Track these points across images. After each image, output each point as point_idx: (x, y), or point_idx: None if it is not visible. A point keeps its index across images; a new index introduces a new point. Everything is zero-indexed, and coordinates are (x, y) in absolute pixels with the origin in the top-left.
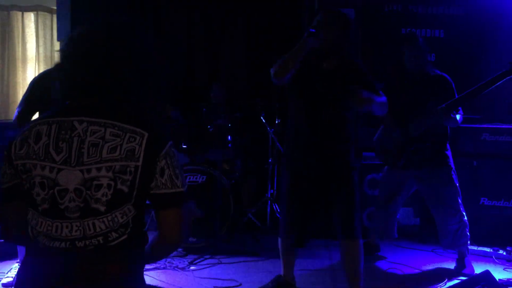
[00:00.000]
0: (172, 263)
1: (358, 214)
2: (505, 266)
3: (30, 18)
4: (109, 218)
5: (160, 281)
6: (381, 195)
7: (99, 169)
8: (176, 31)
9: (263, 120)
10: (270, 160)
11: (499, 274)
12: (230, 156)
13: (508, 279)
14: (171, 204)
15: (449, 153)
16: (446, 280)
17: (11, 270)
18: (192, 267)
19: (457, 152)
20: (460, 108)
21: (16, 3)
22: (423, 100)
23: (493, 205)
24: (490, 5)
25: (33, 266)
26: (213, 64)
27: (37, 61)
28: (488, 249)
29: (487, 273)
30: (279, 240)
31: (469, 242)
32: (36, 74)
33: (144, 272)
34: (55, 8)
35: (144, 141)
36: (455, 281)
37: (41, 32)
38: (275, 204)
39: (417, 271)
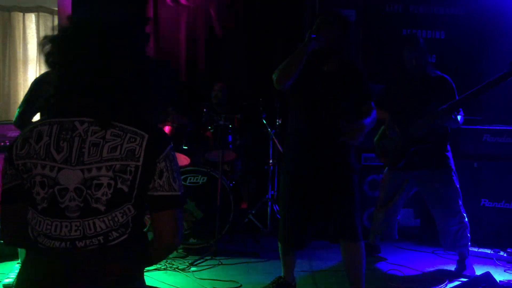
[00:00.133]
0: (173, 264)
1: (359, 215)
2: (505, 268)
3: (31, 19)
4: (109, 217)
5: (161, 282)
6: (381, 196)
7: (99, 169)
8: (177, 31)
9: (264, 121)
10: (270, 161)
11: (499, 275)
12: (231, 157)
13: (509, 281)
14: (167, 207)
15: (449, 154)
16: (447, 281)
17: (13, 270)
18: (192, 268)
19: (458, 154)
20: (461, 109)
21: (17, 4)
22: (424, 101)
23: (494, 207)
24: (491, 6)
25: (33, 267)
26: (214, 64)
27: (38, 62)
28: (488, 251)
29: (487, 275)
30: (280, 241)
31: (469, 243)
32: (37, 75)
33: (145, 273)
34: (56, 9)
35: (145, 142)
36: (456, 283)
37: (42, 33)
38: (276, 205)
39: (417, 272)
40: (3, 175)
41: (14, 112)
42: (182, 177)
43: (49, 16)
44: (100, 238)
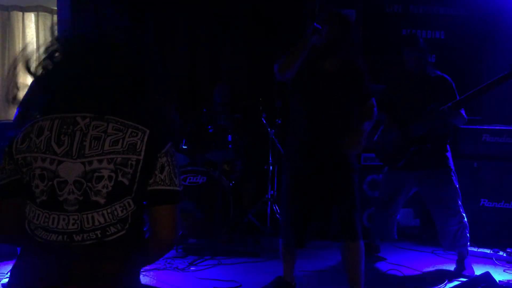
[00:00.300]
0: (172, 264)
1: (359, 215)
2: (505, 268)
3: (30, 19)
4: (109, 210)
5: (160, 281)
6: (381, 196)
7: (100, 161)
8: (177, 31)
9: (264, 121)
10: (270, 161)
11: (499, 275)
12: (231, 157)
13: (508, 281)
14: (167, 201)
15: (449, 154)
16: (446, 281)
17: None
18: (192, 268)
19: (458, 154)
20: (462, 109)
21: (16, 3)
22: (424, 101)
23: (493, 207)
24: (490, 6)
25: (27, 264)
26: (214, 64)
27: (37, 62)
28: (488, 251)
29: (487, 275)
30: (280, 241)
31: (469, 243)
32: None
33: (144, 273)
34: (56, 8)
35: (146, 137)
36: (455, 283)
37: (41, 33)
38: (275, 205)
39: (417, 272)
40: (1, 170)
41: (13, 112)
42: (182, 177)
43: (48, 16)
44: (98, 232)
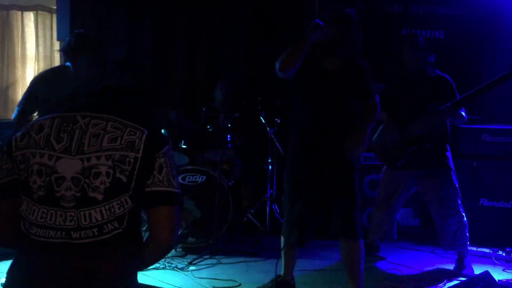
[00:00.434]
0: (172, 263)
1: (359, 214)
2: (504, 267)
3: (29, 18)
4: (106, 207)
5: (159, 281)
6: (380, 195)
7: (98, 158)
8: (177, 30)
9: (263, 120)
10: (270, 160)
11: (498, 275)
12: (230, 156)
13: (508, 280)
14: (165, 202)
15: (449, 153)
16: (446, 281)
17: None
18: (191, 267)
19: (457, 153)
20: (463, 109)
21: (15, 3)
22: (424, 100)
23: (493, 206)
24: (490, 6)
25: (23, 264)
26: (213, 64)
27: (36, 61)
28: (487, 250)
29: (486, 274)
30: (282, 239)
31: (468, 243)
32: (36, 74)
33: (143, 272)
34: (55, 7)
35: (144, 136)
36: (455, 282)
37: (40, 32)
38: (275, 204)
39: (416, 271)
40: None
41: (13, 111)
42: (181, 176)
43: (47, 15)
44: (95, 230)
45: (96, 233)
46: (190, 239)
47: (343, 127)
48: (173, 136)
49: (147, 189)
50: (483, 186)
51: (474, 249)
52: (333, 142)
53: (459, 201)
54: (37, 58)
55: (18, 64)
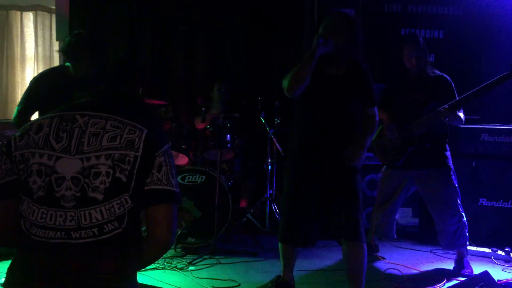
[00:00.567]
0: (171, 263)
1: (361, 216)
2: (503, 267)
3: (29, 18)
4: (106, 207)
5: (159, 281)
6: (380, 195)
7: (98, 157)
8: (177, 30)
9: (263, 120)
10: (269, 160)
11: (497, 274)
12: (229, 156)
13: (507, 280)
14: (164, 200)
15: (448, 153)
16: (445, 280)
17: None
18: (191, 267)
19: (456, 153)
20: (461, 108)
21: (15, 3)
22: (423, 100)
23: (492, 206)
24: (489, 6)
25: (23, 264)
26: (213, 64)
27: (36, 61)
28: (487, 250)
29: (486, 274)
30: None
31: (468, 242)
32: (35, 74)
33: (143, 272)
34: (54, 7)
35: (144, 135)
36: (454, 282)
37: (40, 32)
38: (274, 204)
39: (416, 271)
40: None
41: (12, 111)
42: (181, 176)
43: (47, 15)
44: (95, 230)
45: (96, 233)
46: (190, 239)
47: (344, 127)
48: (172, 136)
49: (146, 188)
50: (482, 186)
51: (474, 248)
52: (333, 142)
53: (458, 201)
54: (36, 58)
55: (18, 64)
